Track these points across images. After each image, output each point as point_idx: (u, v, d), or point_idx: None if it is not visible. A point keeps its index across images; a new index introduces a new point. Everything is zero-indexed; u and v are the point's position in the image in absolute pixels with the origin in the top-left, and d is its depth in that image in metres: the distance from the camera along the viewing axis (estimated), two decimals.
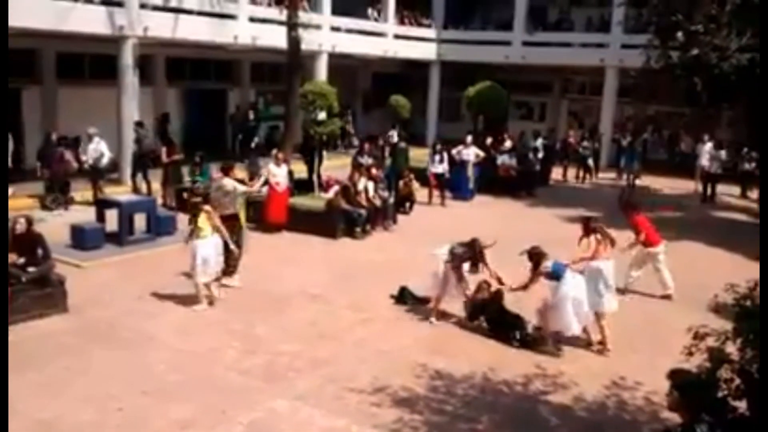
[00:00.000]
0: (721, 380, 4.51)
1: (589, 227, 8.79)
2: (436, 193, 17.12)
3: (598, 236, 8.67)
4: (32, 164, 15.64)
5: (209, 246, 9.03)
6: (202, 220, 9.05)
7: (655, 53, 16.37)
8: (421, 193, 17.02)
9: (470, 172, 17.84)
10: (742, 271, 6.81)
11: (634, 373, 7.59)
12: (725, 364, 4.51)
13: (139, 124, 16.44)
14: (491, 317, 8.73)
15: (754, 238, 13.20)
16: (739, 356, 4.53)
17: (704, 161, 19.65)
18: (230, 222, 9.76)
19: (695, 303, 9.19)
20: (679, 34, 15.26)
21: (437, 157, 17.18)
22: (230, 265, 9.83)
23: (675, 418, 4.88)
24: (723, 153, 19.29)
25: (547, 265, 8.23)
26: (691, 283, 10.78)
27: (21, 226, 8.57)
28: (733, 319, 4.71)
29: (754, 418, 4.31)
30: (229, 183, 10.15)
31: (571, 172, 22.00)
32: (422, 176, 17.40)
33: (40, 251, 8.67)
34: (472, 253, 8.77)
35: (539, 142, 21.23)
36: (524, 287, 8.42)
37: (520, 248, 8.40)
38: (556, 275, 8.20)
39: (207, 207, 9.23)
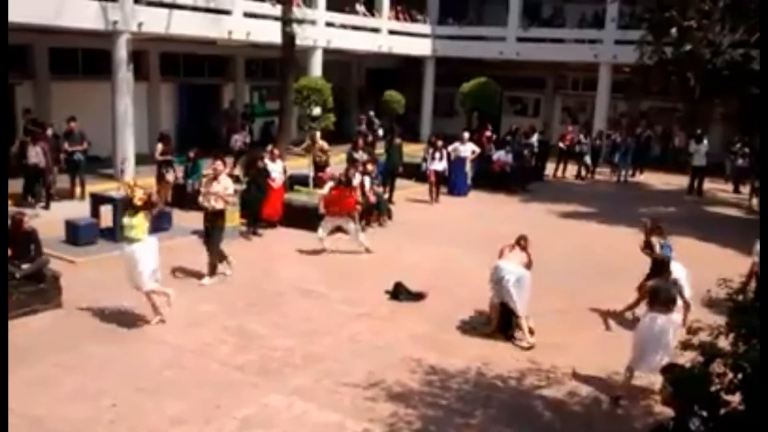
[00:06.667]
0: (714, 375, 4.54)
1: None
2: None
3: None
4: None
5: (147, 249, 8.27)
6: (139, 219, 8.19)
7: (649, 49, 16.40)
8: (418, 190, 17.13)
9: (468, 168, 17.84)
10: (735, 266, 6.84)
11: None
12: (718, 358, 4.53)
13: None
14: None
15: (746, 233, 13.31)
16: (732, 351, 4.55)
17: (696, 161, 19.63)
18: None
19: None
20: (673, 30, 15.29)
21: (437, 155, 16.75)
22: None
23: (668, 412, 4.90)
24: (705, 144, 19.33)
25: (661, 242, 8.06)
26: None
27: (28, 224, 8.58)
28: (726, 313, 4.74)
29: (747, 413, 4.33)
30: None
31: (570, 169, 21.74)
32: (417, 173, 17.73)
33: (32, 247, 8.65)
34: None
35: (534, 137, 21.15)
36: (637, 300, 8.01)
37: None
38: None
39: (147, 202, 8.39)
